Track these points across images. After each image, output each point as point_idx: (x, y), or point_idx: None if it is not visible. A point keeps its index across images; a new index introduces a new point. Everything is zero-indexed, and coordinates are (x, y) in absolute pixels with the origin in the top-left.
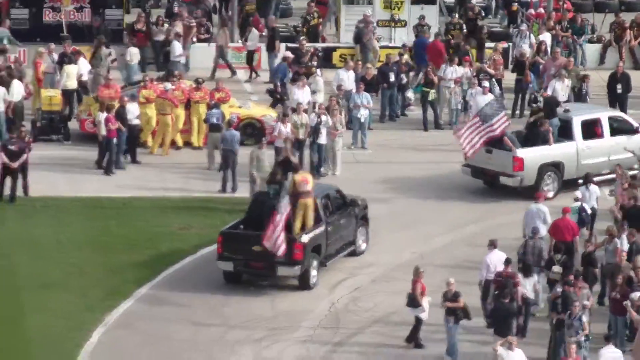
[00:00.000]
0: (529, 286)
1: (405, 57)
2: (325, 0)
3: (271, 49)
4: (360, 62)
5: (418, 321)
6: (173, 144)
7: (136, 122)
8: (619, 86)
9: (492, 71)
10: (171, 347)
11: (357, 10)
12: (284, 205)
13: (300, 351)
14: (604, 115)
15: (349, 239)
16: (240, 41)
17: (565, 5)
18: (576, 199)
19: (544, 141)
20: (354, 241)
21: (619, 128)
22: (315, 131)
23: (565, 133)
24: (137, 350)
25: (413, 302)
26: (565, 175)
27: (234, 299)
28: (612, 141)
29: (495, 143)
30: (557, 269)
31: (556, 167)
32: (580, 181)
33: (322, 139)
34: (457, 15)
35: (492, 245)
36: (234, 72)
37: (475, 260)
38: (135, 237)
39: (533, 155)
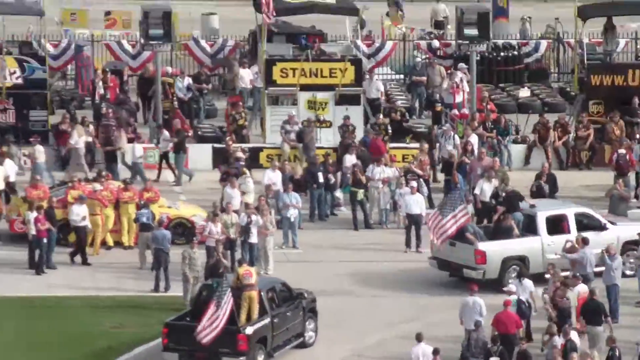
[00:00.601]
0: None
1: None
2: (237, 100)
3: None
4: (287, 162)
5: None
6: (104, 243)
7: (83, 223)
8: (545, 186)
9: (419, 171)
10: None
11: (282, 111)
12: (225, 296)
13: None
14: (571, 211)
15: (297, 331)
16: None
17: (489, 106)
18: (510, 293)
19: (508, 235)
20: (302, 333)
21: (587, 224)
22: (246, 231)
23: (530, 228)
24: None
25: None
26: (530, 269)
27: None
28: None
29: (459, 236)
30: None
31: (521, 260)
32: (514, 275)
33: (253, 239)
34: (381, 116)
35: (418, 339)
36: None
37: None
38: (68, 337)
39: (496, 249)
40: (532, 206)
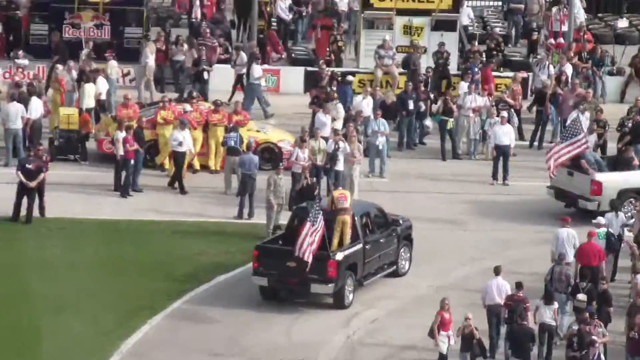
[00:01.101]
0: (549, 313)
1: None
2: (330, 24)
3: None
4: (378, 88)
5: (440, 356)
6: (190, 166)
7: (183, 149)
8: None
9: (511, 101)
10: None
11: (377, 36)
12: (318, 218)
13: None
14: None
15: (391, 259)
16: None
17: (585, 36)
18: (598, 225)
19: (628, 167)
20: (395, 261)
21: None
22: (332, 158)
23: None
24: None
25: (432, 335)
26: None
27: (252, 328)
28: None
29: (577, 166)
30: (582, 297)
31: (639, 193)
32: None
33: (340, 166)
34: (476, 43)
35: (496, 272)
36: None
37: None
38: (150, 262)
39: (613, 180)
40: None
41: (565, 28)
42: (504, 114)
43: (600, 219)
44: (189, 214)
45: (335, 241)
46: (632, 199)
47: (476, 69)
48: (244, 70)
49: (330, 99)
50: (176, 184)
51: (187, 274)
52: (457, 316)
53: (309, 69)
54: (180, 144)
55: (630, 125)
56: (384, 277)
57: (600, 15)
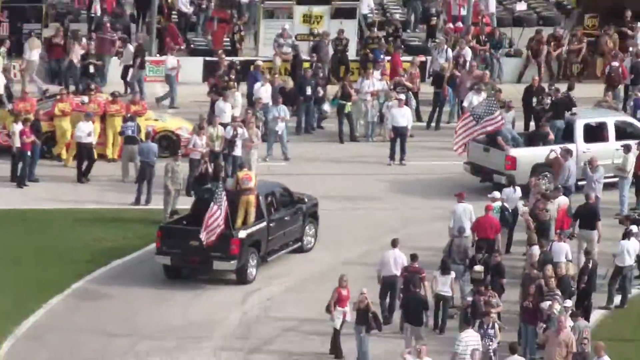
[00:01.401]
0: (445, 283)
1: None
2: (227, 16)
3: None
4: (277, 76)
5: (334, 331)
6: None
7: (89, 140)
8: (534, 100)
9: (409, 84)
10: None
11: (276, 25)
12: (221, 198)
13: None
14: (611, 119)
15: (296, 236)
16: (157, 55)
17: (484, 20)
18: (493, 199)
19: (543, 142)
20: (300, 238)
21: (628, 133)
22: (230, 144)
23: (568, 135)
24: None
25: (328, 310)
26: None
27: (148, 308)
28: (617, 145)
29: (493, 142)
30: (478, 268)
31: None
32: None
33: (237, 151)
34: (376, 30)
35: (393, 244)
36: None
37: None
38: (48, 249)
39: (527, 155)
40: (573, 114)
41: (464, 12)
42: (402, 96)
43: (496, 193)
44: (86, 202)
45: (240, 220)
46: (547, 174)
47: (382, 56)
48: (131, 62)
49: (229, 87)
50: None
51: (85, 259)
52: (355, 293)
53: (208, 59)
54: (89, 134)
55: (549, 101)
56: (289, 253)
57: None
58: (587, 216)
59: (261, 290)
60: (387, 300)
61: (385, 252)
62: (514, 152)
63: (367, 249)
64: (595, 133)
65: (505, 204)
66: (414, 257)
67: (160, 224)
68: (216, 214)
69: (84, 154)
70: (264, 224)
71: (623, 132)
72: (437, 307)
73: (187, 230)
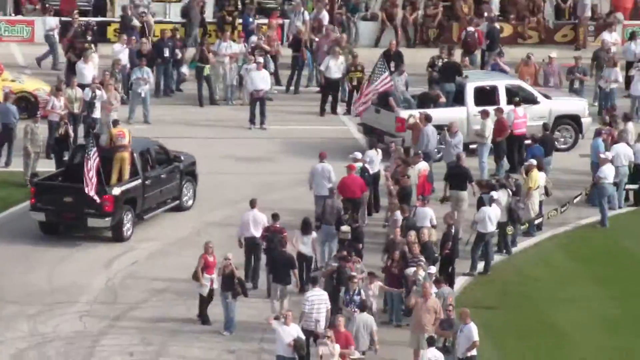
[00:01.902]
0: (307, 242)
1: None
2: None
3: None
4: (134, 38)
5: (200, 298)
6: None
7: None
8: (392, 64)
9: (267, 47)
10: None
11: None
12: (92, 152)
13: (77, 326)
14: (502, 82)
15: (173, 194)
16: (12, 14)
17: None
18: (355, 159)
19: (434, 104)
20: (178, 196)
21: (518, 96)
22: (89, 105)
23: (459, 98)
24: None
25: (196, 277)
26: None
27: (11, 273)
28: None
29: (384, 104)
30: (345, 228)
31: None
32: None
33: (97, 113)
34: None
35: (252, 205)
36: None
37: None
38: None
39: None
40: (465, 77)
41: None
42: (260, 59)
43: (357, 154)
44: None
45: (114, 177)
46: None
47: (250, 19)
48: None
49: (86, 48)
50: None
51: None
52: (220, 258)
53: (64, 19)
54: None
55: (440, 64)
56: (167, 211)
57: None
58: (458, 176)
59: (127, 253)
60: (252, 262)
61: (244, 214)
62: (403, 113)
63: (230, 213)
64: (486, 96)
65: (367, 166)
66: (275, 217)
67: (34, 181)
68: (90, 168)
69: None
70: (139, 181)
71: (515, 95)
72: (300, 267)
73: (61, 187)
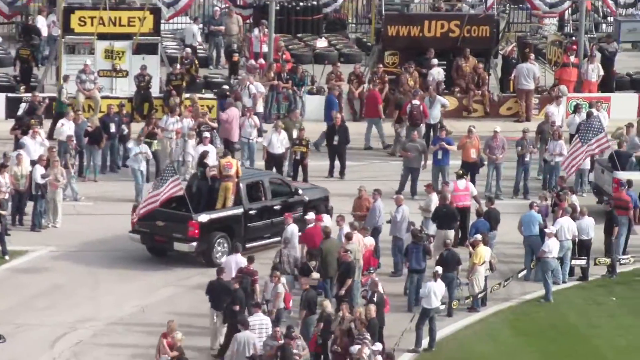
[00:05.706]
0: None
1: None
2: (27, 54)
3: None
4: (80, 114)
5: None
6: None
7: None
8: (336, 138)
9: (212, 124)
10: None
11: (78, 60)
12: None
13: None
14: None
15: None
16: None
17: (284, 56)
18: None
19: None
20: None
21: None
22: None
23: None
24: None
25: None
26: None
27: None
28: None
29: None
30: (316, 275)
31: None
32: None
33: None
34: (179, 66)
35: (235, 250)
36: None
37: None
38: None
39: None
40: None
41: (265, 49)
42: (207, 134)
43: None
44: None
45: (219, 204)
46: None
47: None
48: None
49: (32, 124)
50: None
51: None
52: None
53: (10, 95)
54: None
55: None
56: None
57: (299, 35)
58: (446, 216)
59: (70, 333)
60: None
61: (227, 257)
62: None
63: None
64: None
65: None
66: (249, 260)
67: (134, 204)
68: (154, 192)
69: None
70: (239, 210)
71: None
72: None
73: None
